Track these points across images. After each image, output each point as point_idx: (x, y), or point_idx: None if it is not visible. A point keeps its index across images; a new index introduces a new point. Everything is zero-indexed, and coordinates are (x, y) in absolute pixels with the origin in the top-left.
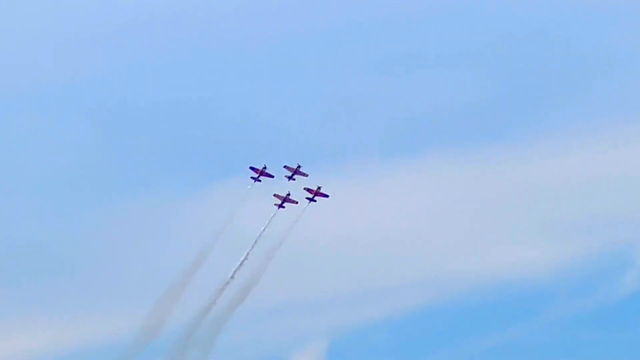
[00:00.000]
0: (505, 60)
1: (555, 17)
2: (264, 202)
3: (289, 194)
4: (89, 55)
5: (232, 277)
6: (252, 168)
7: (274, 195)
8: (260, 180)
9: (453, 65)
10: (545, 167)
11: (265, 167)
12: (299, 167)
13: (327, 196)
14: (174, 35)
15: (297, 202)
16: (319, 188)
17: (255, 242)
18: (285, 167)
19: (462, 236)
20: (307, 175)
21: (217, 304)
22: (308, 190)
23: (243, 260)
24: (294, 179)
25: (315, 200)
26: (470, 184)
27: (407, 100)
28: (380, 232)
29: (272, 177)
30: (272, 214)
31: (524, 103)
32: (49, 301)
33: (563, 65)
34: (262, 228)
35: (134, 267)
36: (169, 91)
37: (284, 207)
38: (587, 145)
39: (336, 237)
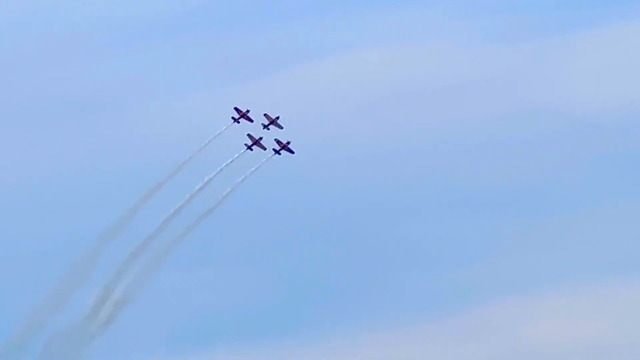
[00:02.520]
0: (297, 254)
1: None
2: (236, 141)
3: (261, 138)
4: None
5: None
6: (236, 109)
7: (248, 134)
8: (239, 122)
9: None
10: None
11: (248, 111)
12: (277, 118)
13: (292, 152)
14: None
15: (265, 149)
16: (287, 142)
17: (209, 179)
18: (265, 114)
19: None
20: (282, 128)
21: None
22: (278, 142)
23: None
24: (269, 129)
25: (280, 154)
26: None
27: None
28: None
29: (252, 122)
30: (238, 154)
31: (319, 297)
32: None
33: (365, 257)
34: (223, 165)
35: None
36: None
37: (252, 149)
38: (386, 341)
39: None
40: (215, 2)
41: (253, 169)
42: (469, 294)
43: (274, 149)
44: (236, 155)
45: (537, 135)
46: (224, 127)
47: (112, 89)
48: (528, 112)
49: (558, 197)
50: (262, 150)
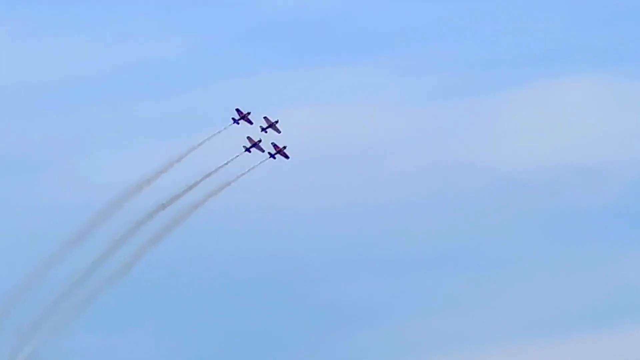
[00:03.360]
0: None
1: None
2: (234, 142)
3: (260, 141)
4: None
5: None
6: (237, 110)
7: (247, 137)
8: (239, 124)
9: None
10: None
11: (249, 113)
12: (276, 122)
13: (287, 157)
14: None
15: (263, 151)
16: (284, 147)
17: (205, 177)
18: (264, 117)
19: None
20: (279, 132)
21: None
22: (274, 145)
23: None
24: (267, 132)
25: (275, 157)
26: None
27: None
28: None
29: (252, 124)
30: (236, 155)
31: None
32: None
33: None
34: (219, 165)
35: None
36: None
37: (250, 151)
38: None
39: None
40: (143, 61)
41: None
42: (399, 351)
43: (269, 153)
44: (235, 156)
45: (465, 193)
46: (223, 127)
47: (30, 148)
48: (456, 170)
49: (487, 255)
50: (260, 152)
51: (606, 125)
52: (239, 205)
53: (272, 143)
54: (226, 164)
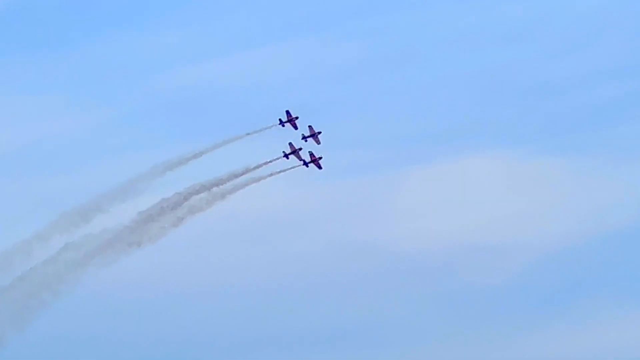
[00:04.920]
0: None
1: None
2: (275, 146)
3: (300, 149)
4: None
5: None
6: (287, 112)
7: (289, 143)
8: (284, 126)
9: None
10: None
11: (297, 118)
12: (319, 132)
13: (320, 168)
14: None
15: (302, 161)
16: (319, 158)
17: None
18: (309, 126)
19: None
20: (319, 144)
21: None
22: (311, 154)
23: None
24: (306, 141)
25: (307, 166)
26: None
27: None
28: None
29: (297, 129)
30: (273, 158)
31: None
32: None
33: None
34: (252, 166)
35: None
36: None
37: (288, 158)
38: None
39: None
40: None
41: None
42: None
43: (303, 160)
44: (274, 158)
45: (364, 272)
46: (268, 127)
47: None
48: (355, 249)
49: (386, 334)
50: (298, 161)
51: (507, 204)
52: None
53: (309, 151)
54: (262, 165)
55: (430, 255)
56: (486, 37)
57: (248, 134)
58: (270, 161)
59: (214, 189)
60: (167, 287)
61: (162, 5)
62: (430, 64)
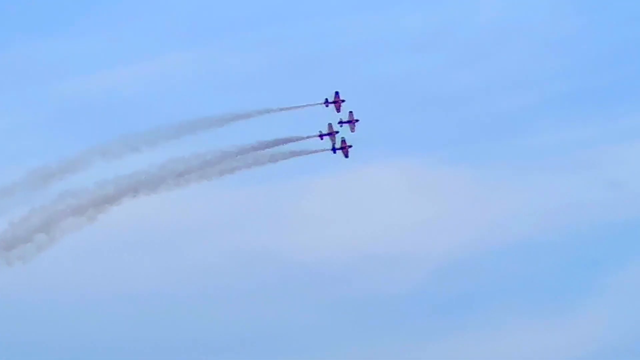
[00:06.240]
0: None
1: None
2: (313, 124)
3: (337, 132)
4: None
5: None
6: (336, 93)
7: (329, 124)
8: (327, 106)
9: None
10: None
11: (343, 101)
12: (356, 120)
13: (347, 157)
14: None
15: (333, 145)
16: (349, 146)
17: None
18: (350, 112)
19: None
20: (353, 132)
21: None
22: (343, 141)
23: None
24: (342, 126)
25: (335, 152)
26: None
27: None
28: None
29: (339, 112)
30: (305, 136)
31: None
32: None
33: None
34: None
35: None
36: None
37: (322, 139)
38: None
39: None
40: None
41: None
42: None
43: (333, 145)
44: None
45: (262, 281)
46: (314, 103)
47: None
48: (253, 257)
49: (284, 343)
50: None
51: (408, 213)
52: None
53: (342, 138)
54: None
55: (331, 264)
56: (389, 47)
57: (281, 109)
58: (306, 137)
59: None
60: (63, 295)
61: (67, 11)
62: (333, 73)
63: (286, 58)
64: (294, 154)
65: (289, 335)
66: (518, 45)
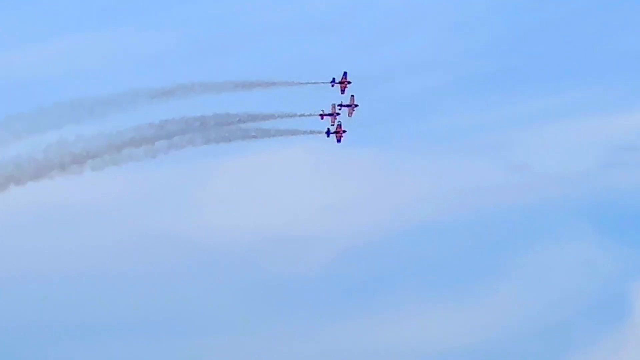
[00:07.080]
0: None
1: None
2: (316, 102)
3: (338, 114)
4: None
5: None
6: (345, 73)
7: (332, 104)
8: (333, 86)
9: None
10: None
11: (349, 83)
12: (356, 105)
13: (339, 141)
14: None
15: (333, 124)
16: (344, 131)
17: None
18: (352, 95)
19: None
20: (350, 116)
21: None
22: (338, 125)
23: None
24: (341, 109)
25: (329, 136)
26: None
27: None
28: None
29: (343, 94)
30: (307, 113)
31: None
32: None
33: None
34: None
35: None
36: None
37: (322, 118)
38: None
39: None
40: None
41: None
42: None
43: (327, 129)
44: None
45: (165, 263)
46: (321, 81)
47: None
48: (155, 240)
49: (191, 324)
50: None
51: (315, 195)
52: None
53: (338, 122)
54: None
55: (239, 247)
56: (295, 29)
57: (283, 83)
58: (303, 115)
59: None
60: None
61: None
62: (240, 55)
63: (192, 38)
64: (289, 132)
65: (198, 318)
66: (424, 27)
